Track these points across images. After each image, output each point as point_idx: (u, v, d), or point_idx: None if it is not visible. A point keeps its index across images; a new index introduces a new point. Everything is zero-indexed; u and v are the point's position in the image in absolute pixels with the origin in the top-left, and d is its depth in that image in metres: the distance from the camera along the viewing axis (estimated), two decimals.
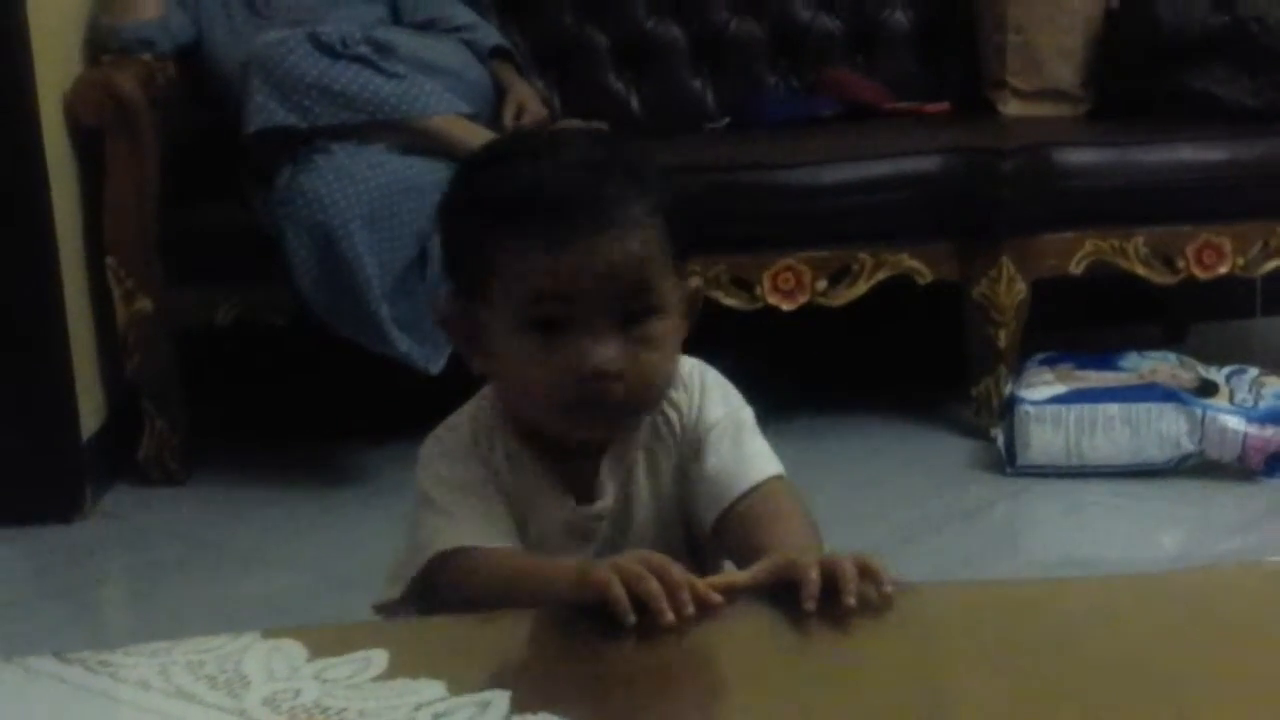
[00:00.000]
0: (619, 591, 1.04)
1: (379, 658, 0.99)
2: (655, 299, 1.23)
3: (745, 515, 1.28)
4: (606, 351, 1.20)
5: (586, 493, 1.32)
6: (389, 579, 1.32)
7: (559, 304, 1.21)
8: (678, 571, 1.07)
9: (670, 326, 1.26)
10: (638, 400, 1.25)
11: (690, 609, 1.05)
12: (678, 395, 1.33)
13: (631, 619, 1.03)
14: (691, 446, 1.32)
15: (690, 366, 1.34)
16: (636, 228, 1.22)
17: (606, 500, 1.32)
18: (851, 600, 1.07)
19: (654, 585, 1.05)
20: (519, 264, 1.21)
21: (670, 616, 1.04)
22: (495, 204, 1.23)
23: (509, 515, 1.27)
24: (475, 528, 1.24)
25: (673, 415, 1.33)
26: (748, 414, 1.35)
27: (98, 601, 2.74)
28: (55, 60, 2.99)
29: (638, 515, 1.33)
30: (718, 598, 1.07)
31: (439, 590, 1.24)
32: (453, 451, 1.30)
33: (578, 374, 1.20)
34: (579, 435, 1.28)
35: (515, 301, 1.22)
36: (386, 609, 1.31)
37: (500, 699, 0.93)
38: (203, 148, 3.17)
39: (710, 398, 1.34)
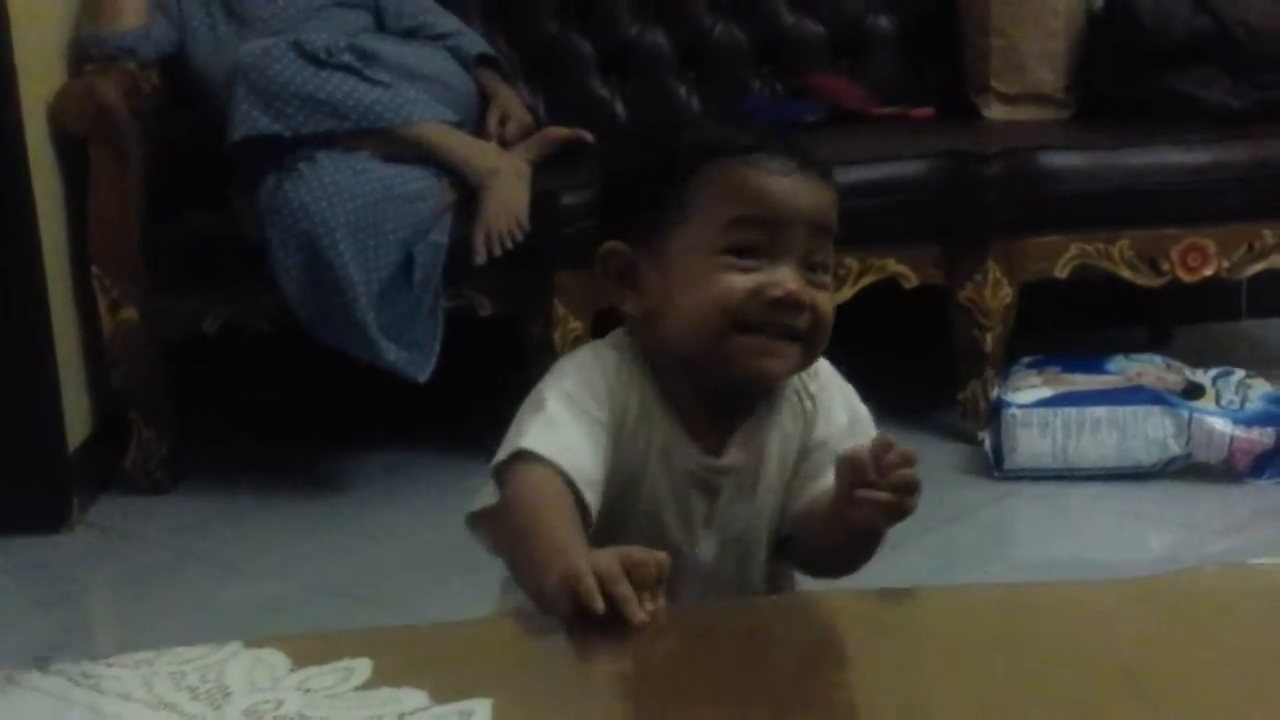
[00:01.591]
0: (590, 584, 1.04)
1: (362, 667, 0.99)
2: (829, 258, 1.29)
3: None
4: (799, 280, 1.24)
5: (715, 448, 1.31)
6: (482, 488, 1.28)
7: (761, 230, 1.24)
8: (653, 571, 1.06)
9: (831, 290, 1.30)
10: (813, 336, 1.27)
11: (658, 609, 1.05)
12: (815, 388, 1.35)
13: (600, 606, 1.03)
14: (813, 445, 1.35)
15: (825, 365, 1.37)
16: (833, 183, 1.30)
17: (735, 457, 1.31)
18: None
19: (625, 589, 1.05)
20: (731, 187, 1.25)
21: (640, 616, 1.04)
22: (708, 140, 1.29)
23: (606, 461, 1.24)
24: (569, 447, 1.22)
25: (808, 405, 1.35)
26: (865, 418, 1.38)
27: (84, 612, 2.73)
28: (39, 69, 2.99)
29: (764, 481, 1.33)
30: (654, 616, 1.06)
31: (508, 482, 1.22)
32: (590, 371, 1.28)
33: (775, 294, 1.23)
34: (751, 365, 1.25)
35: (716, 226, 1.25)
36: (478, 520, 1.28)
37: (482, 708, 0.93)
38: (187, 156, 3.16)
39: (837, 402, 1.37)
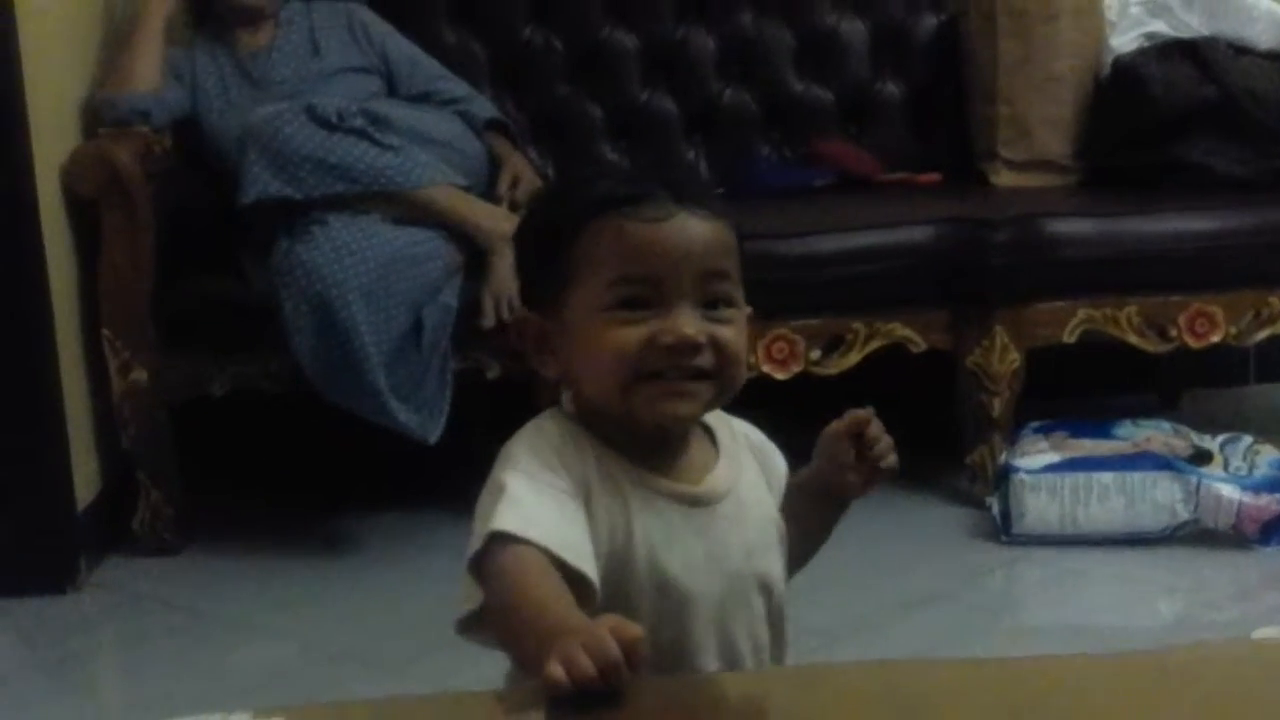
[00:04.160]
0: (559, 675, 1.02)
1: None
2: (732, 291, 1.28)
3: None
4: (691, 323, 1.24)
5: (687, 479, 1.30)
6: (462, 591, 1.24)
7: (644, 285, 1.24)
8: (620, 648, 1.04)
9: (741, 324, 1.29)
10: (721, 372, 1.26)
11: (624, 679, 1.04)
12: (746, 430, 1.39)
13: (595, 676, 1.02)
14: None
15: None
16: (718, 218, 1.28)
17: (712, 483, 1.30)
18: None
19: (587, 667, 1.02)
20: (607, 247, 1.25)
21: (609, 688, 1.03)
22: (584, 202, 1.29)
23: (586, 527, 1.23)
24: (540, 521, 1.20)
25: (752, 440, 1.39)
26: None
27: (91, 673, 2.73)
28: (52, 133, 3.01)
29: (750, 509, 1.33)
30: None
31: (487, 574, 1.19)
32: (538, 447, 1.27)
33: (667, 341, 1.23)
34: (657, 412, 1.25)
35: (602, 285, 1.25)
36: (469, 624, 1.24)
37: None
38: (199, 219, 3.18)
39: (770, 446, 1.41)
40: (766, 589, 1.33)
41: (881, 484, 1.37)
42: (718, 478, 1.31)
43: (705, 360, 1.25)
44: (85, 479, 3.03)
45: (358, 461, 3.37)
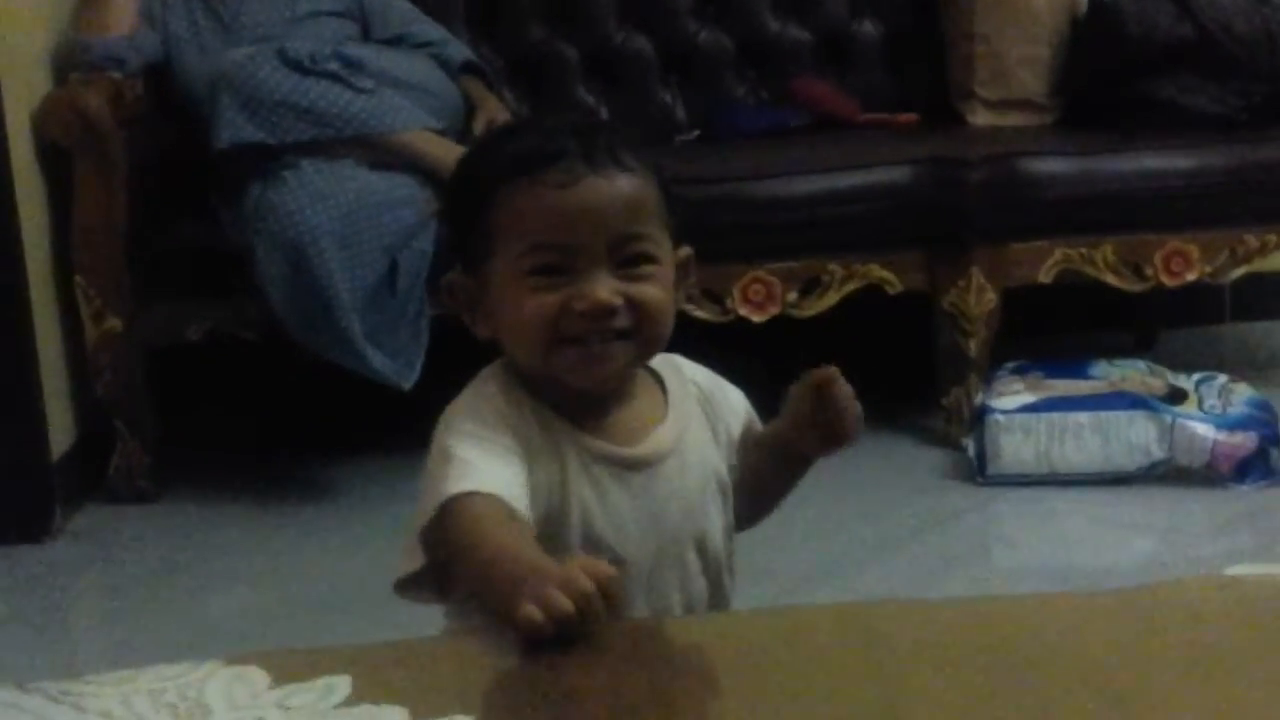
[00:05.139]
0: (535, 615, 1.03)
1: (342, 684, 0.99)
2: (650, 248, 1.26)
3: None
4: (605, 287, 1.23)
5: (627, 442, 1.30)
6: (404, 551, 1.26)
7: (556, 252, 1.23)
8: (596, 584, 1.05)
9: (666, 279, 1.27)
10: (642, 329, 1.25)
11: (601, 617, 1.05)
12: (693, 375, 1.38)
13: (549, 632, 1.03)
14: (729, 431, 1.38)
15: (686, 362, 1.38)
16: (629, 174, 1.26)
17: (651, 445, 1.29)
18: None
19: (564, 605, 1.03)
20: (518, 215, 1.24)
21: (585, 629, 1.04)
22: (496, 166, 1.28)
23: (527, 479, 1.23)
24: (493, 477, 1.21)
25: (695, 390, 1.37)
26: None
27: (67, 622, 2.73)
28: (23, 78, 2.98)
29: (690, 474, 1.32)
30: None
31: (449, 538, 1.19)
32: (478, 408, 1.27)
33: (580, 308, 1.22)
34: (581, 378, 1.26)
35: (516, 253, 1.24)
36: (407, 585, 1.25)
37: None
38: (172, 165, 3.16)
39: (720, 383, 1.40)
40: (702, 545, 1.33)
41: (843, 447, 1.34)
42: (662, 437, 1.31)
43: (622, 321, 1.24)
44: (60, 427, 3.02)
45: (335, 408, 3.36)
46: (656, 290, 1.26)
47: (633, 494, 1.28)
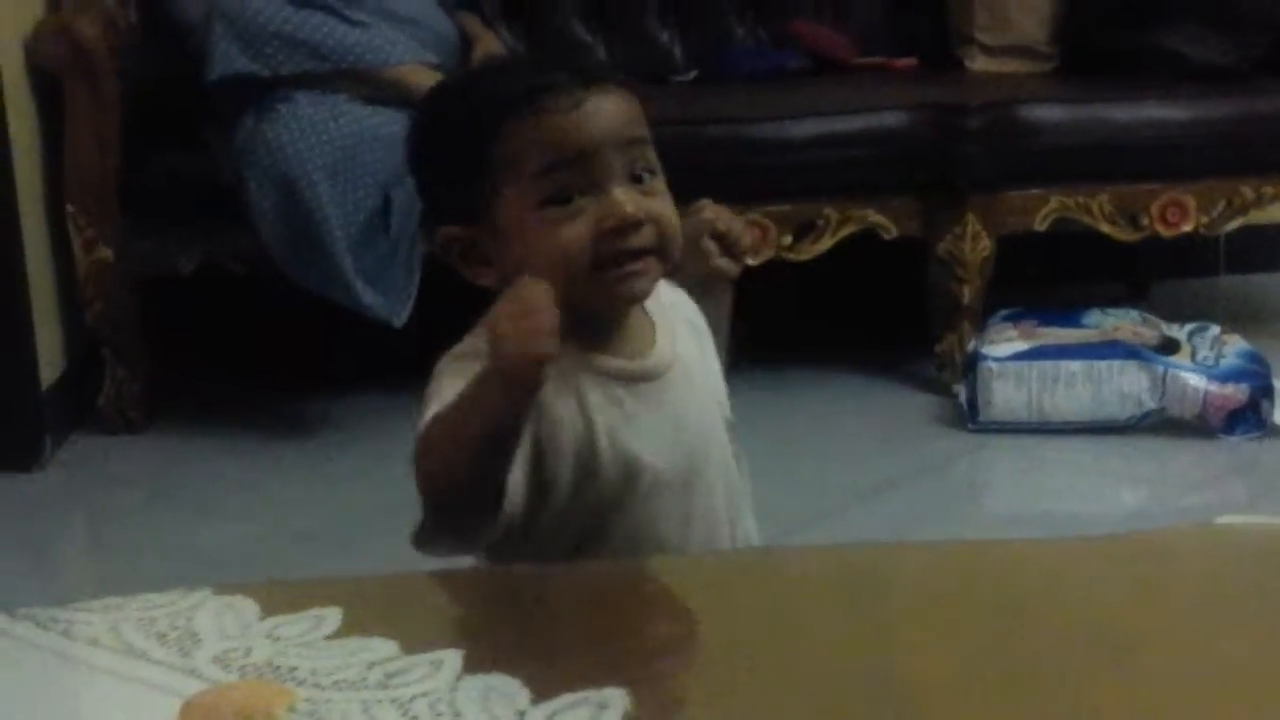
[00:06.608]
0: (518, 357, 1.10)
1: (332, 616, 0.99)
2: (653, 157, 1.28)
3: None
4: (628, 200, 1.23)
5: (632, 354, 1.30)
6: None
7: (572, 170, 1.23)
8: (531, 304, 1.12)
9: (666, 192, 1.28)
10: (663, 245, 1.26)
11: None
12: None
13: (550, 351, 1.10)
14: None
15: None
16: (624, 90, 1.28)
17: (656, 356, 1.30)
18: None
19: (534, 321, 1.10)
20: (527, 143, 1.24)
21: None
22: (491, 103, 1.27)
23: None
24: None
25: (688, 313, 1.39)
26: None
27: (56, 551, 2.73)
28: (14, 4, 2.96)
29: (697, 377, 1.33)
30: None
31: (429, 450, 1.18)
32: (465, 354, 1.25)
33: (608, 225, 1.22)
34: (616, 296, 1.26)
35: (530, 182, 1.24)
36: (423, 539, 1.23)
37: (453, 658, 0.93)
38: (164, 95, 3.14)
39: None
40: (723, 463, 1.33)
41: (745, 256, 1.40)
42: (662, 348, 1.31)
43: (647, 238, 1.24)
44: (50, 357, 3.01)
45: (326, 341, 3.35)
46: (668, 207, 1.27)
47: (650, 405, 1.28)
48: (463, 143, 1.28)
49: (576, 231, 1.22)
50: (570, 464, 1.23)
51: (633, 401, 1.27)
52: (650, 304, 1.33)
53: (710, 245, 1.35)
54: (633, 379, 1.28)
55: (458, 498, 1.17)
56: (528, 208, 1.24)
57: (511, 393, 1.13)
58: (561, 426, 1.24)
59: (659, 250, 1.25)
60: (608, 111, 1.25)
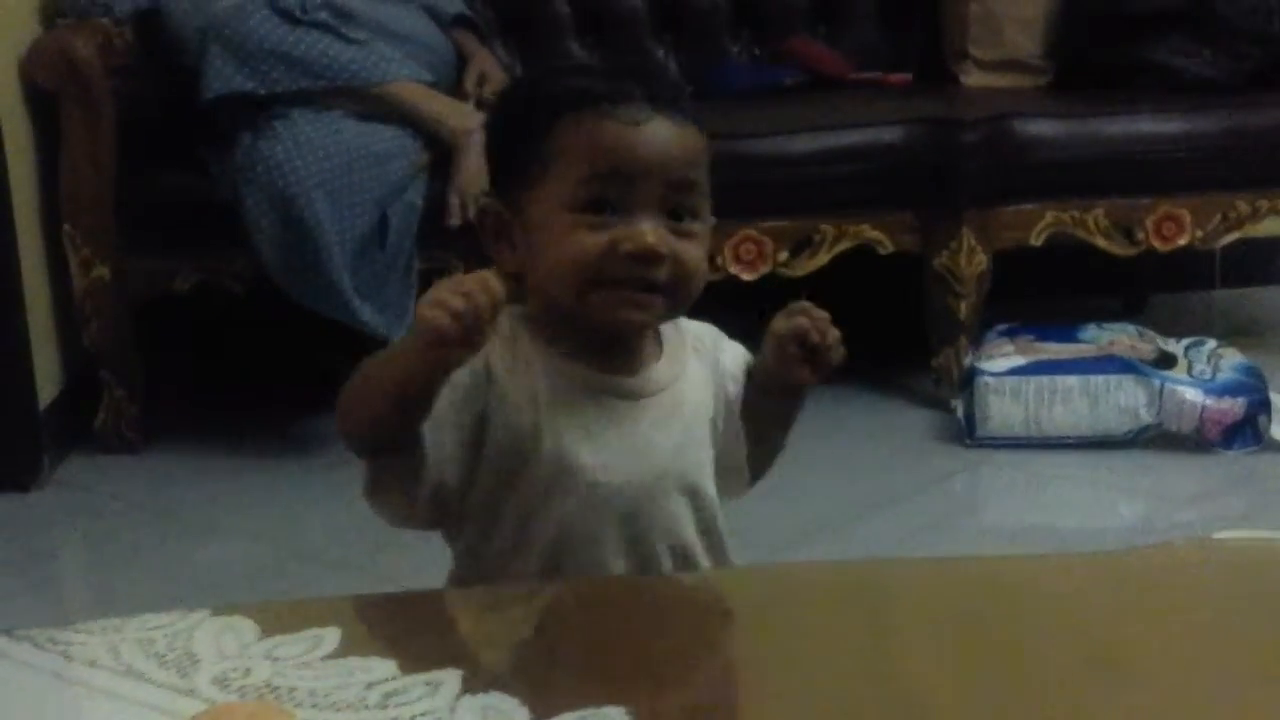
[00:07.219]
0: (428, 314, 1.11)
1: (330, 636, 0.99)
2: (699, 201, 1.27)
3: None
4: (654, 232, 1.23)
5: (617, 371, 1.30)
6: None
7: (614, 186, 1.23)
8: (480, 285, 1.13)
9: (705, 242, 1.28)
10: (677, 288, 1.25)
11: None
12: (700, 333, 1.38)
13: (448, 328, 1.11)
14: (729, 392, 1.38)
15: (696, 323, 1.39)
16: (692, 126, 1.28)
17: (646, 380, 1.29)
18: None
19: (455, 300, 1.11)
20: (582, 143, 1.24)
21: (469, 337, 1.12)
22: (564, 93, 1.28)
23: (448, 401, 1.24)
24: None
25: (702, 346, 1.37)
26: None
27: (53, 571, 2.72)
28: (10, 22, 2.96)
29: (686, 416, 1.32)
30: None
31: (351, 393, 1.24)
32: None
33: (628, 249, 1.22)
34: (611, 318, 1.25)
35: (572, 181, 1.24)
36: (366, 488, 1.29)
37: (451, 678, 0.93)
38: (161, 114, 3.14)
39: (725, 341, 1.41)
40: (694, 492, 1.31)
41: (827, 370, 1.33)
42: (658, 373, 1.30)
43: (662, 273, 1.24)
44: (47, 377, 3.01)
45: (323, 360, 3.35)
46: (697, 252, 1.26)
47: (617, 421, 1.28)
48: (525, 125, 1.28)
49: (593, 242, 1.23)
50: (508, 449, 1.24)
51: (597, 412, 1.27)
52: (666, 329, 1.33)
53: (795, 351, 1.31)
54: (603, 391, 1.28)
55: (364, 434, 1.24)
56: (560, 205, 1.24)
57: (425, 357, 1.15)
58: (515, 411, 1.25)
59: (670, 291, 1.25)
60: (664, 140, 1.25)
